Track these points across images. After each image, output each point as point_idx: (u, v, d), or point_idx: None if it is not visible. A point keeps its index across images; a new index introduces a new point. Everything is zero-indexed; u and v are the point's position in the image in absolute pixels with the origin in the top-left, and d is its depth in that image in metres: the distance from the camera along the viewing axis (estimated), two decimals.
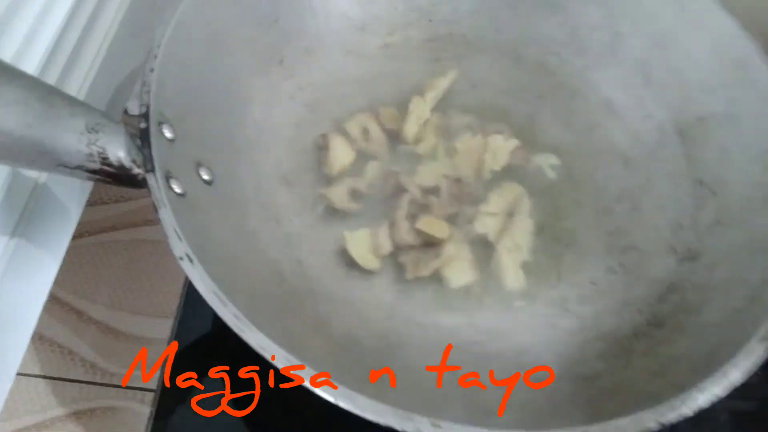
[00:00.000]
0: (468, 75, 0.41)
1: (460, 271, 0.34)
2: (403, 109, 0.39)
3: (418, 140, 0.38)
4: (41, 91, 0.23)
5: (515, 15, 0.41)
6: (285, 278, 0.31)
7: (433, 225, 0.34)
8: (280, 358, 0.22)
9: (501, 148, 0.38)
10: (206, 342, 0.38)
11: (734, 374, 0.25)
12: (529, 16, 0.41)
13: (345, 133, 0.37)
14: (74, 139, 0.24)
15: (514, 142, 0.38)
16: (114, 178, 0.25)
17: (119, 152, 0.25)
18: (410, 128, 0.38)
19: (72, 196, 0.34)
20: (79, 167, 0.24)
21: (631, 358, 0.29)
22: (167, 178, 0.27)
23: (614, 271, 0.35)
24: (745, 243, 0.32)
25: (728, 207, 0.34)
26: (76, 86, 0.33)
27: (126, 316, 0.45)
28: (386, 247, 0.33)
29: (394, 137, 0.38)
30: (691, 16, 0.37)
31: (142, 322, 0.45)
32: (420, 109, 0.38)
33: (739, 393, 0.25)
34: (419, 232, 0.34)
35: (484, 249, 0.35)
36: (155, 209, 0.25)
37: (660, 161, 0.37)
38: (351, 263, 0.33)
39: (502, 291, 0.34)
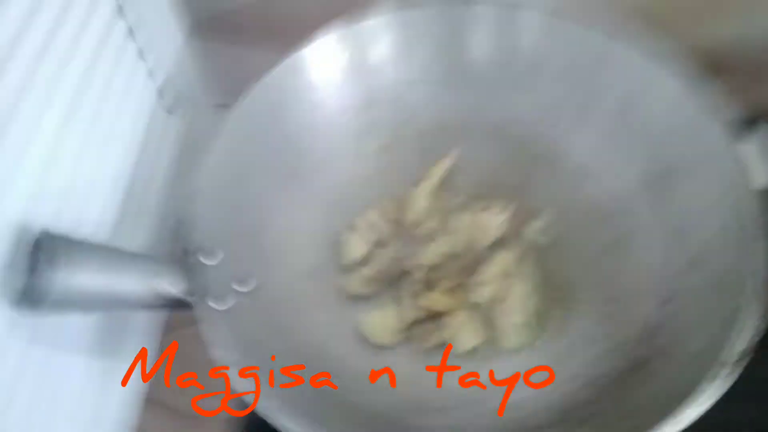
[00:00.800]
0: (459, 157, 0.47)
1: (464, 337, 0.40)
2: (404, 198, 0.45)
3: (418, 225, 0.44)
4: (113, 255, 0.31)
5: (494, 100, 0.47)
6: (311, 365, 0.37)
7: (435, 300, 0.40)
8: None
9: (492, 223, 0.44)
10: None
11: (689, 415, 0.29)
12: (506, 100, 0.47)
13: (356, 229, 0.44)
14: (141, 286, 0.32)
15: (503, 217, 0.44)
16: (172, 306, 0.33)
17: (173, 289, 0.33)
18: (409, 216, 0.44)
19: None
20: (145, 306, 0.32)
21: (609, 403, 0.34)
22: (212, 299, 0.34)
23: (601, 321, 0.39)
24: (709, 282, 0.36)
25: (697, 250, 0.38)
26: (143, 233, 0.42)
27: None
28: (397, 325, 0.40)
29: (398, 225, 0.45)
30: (645, 83, 0.42)
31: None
32: (417, 198, 0.45)
33: None
34: (426, 308, 0.40)
35: (486, 315, 0.41)
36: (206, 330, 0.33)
37: (635, 214, 0.42)
38: (370, 343, 0.40)
39: (504, 350, 0.39)
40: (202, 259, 0.35)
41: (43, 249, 0.29)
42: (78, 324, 0.36)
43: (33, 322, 0.31)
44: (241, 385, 0.31)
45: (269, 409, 0.30)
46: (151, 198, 0.44)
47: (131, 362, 0.40)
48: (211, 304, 0.34)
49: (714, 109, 0.39)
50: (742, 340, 0.31)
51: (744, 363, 0.31)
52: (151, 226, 0.42)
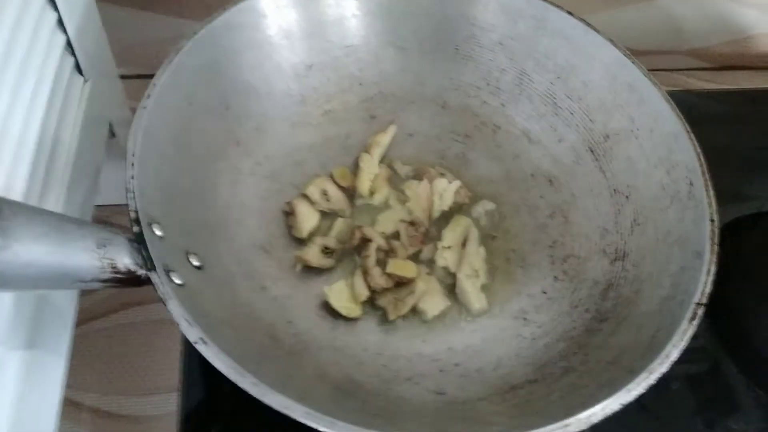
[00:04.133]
0: (403, 126, 0.46)
1: (433, 301, 0.39)
2: (353, 166, 0.43)
3: (372, 193, 0.42)
4: (55, 221, 0.26)
5: (434, 69, 0.47)
6: (281, 339, 0.34)
7: (401, 266, 0.39)
8: (303, 414, 0.26)
9: (446, 189, 0.43)
10: (212, 410, 0.40)
11: (674, 354, 0.31)
12: (446, 68, 0.47)
13: (307, 197, 0.41)
14: (88, 257, 0.27)
15: (456, 183, 0.43)
16: (122, 282, 0.28)
17: (125, 259, 0.28)
18: (364, 183, 0.42)
19: (66, 299, 0.36)
20: (94, 280, 0.27)
21: (588, 353, 0.34)
22: (166, 272, 0.30)
23: (560, 278, 0.40)
24: (660, 237, 0.38)
25: (641, 208, 0.40)
26: (54, 199, 0.36)
27: (120, 399, 0.47)
28: (363, 294, 0.37)
29: (351, 193, 0.42)
30: (583, 51, 0.44)
31: (136, 402, 0.47)
32: (369, 165, 0.43)
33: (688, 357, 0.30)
34: (391, 275, 0.38)
35: (447, 279, 0.40)
36: (164, 303, 0.28)
37: (579, 177, 0.43)
38: (336, 314, 0.37)
39: (470, 313, 0.39)
40: (153, 229, 0.31)
41: None
42: None
43: None
44: (222, 362, 0.27)
45: (258, 387, 0.27)
46: (60, 164, 0.37)
47: (49, 355, 0.34)
48: (169, 278, 0.29)
49: (650, 77, 0.41)
50: (703, 283, 0.33)
51: (705, 304, 0.33)
52: (60, 195, 0.36)
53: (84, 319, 0.50)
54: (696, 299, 0.32)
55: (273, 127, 0.43)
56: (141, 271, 0.29)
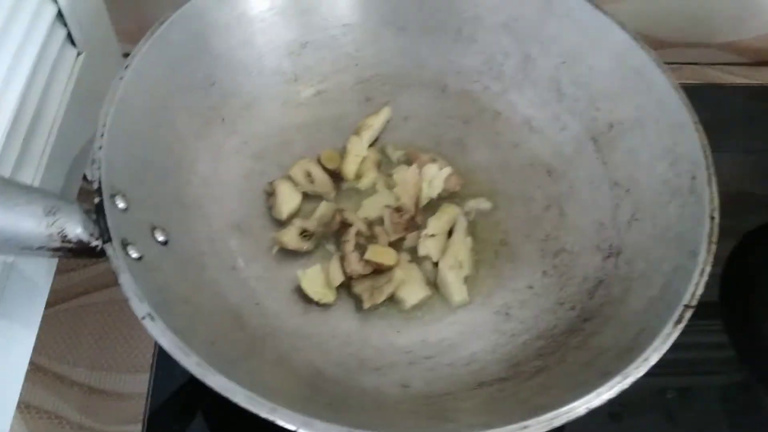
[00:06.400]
0: (399, 110, 0.45)
1: (412, 290, 0.37)
2: (343, 149, 0.42)
3: (358, 177, 0.41)
4: (6, 187, 0.26)
5: (435, 51, 0.45)
6: (246, 322, 0.33)
7: (380, 253, 0.37)
8: (242, 397, 0.25)
9: (436, 176, 0.41)
10: (185, 390, 0.40)
11: (653, 357, 0.28)
12: (448, 50, 0.45)
13: (290, 179, 0.40)
14: (34, 223, 0.26)
15: (447, 170, 0.41)
16: (75, 253, 0.28)
17: (77, 229, 0.28)
18: (349, 167, 0.41)
19: (40, 271, 0.36)
20: (42, 248, 0.27)
21: (566, 353, 0.32)
22: (124, 245, 0.29)
23: (548, 274, 0.38)
24: (658, 234, 0.35)
25: (641, 203, 0.38)
26: (32, 171, 0.36)
27: (107, 375, 0.46)
28: (338, 279, 0.36)
29: (338, 177, 0.41)
30: (590, 34, 0.41)
31: (122, 379, 0.46)
32: (357, 148, 0.41)
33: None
34: (369, 262, 0.37)
35: (430, 269, 0.39)
36: (116, 276, 0.28)
37: (579, 168, 0.41)
38: (308, 300, 0.36)
39: (450, 305, 0.37)
40: (116, 202, 0.30)
41: None
42: None
43: None
44: (167, 340, 0.26)
45: (201, 367, 0.26)
46: (41, 135, 0.37)
47: (18, 326, 0.34)
48: (126, 251, 0.29)
49: (661, 66, 0.38)
50: (694, 285, 0.31)
51: (694, 307, 0.30)
52: (40, 166, 0.36)
53: (78, 292, 0.50)
54: (684, 301, 0.30)
55: (262, 106, 0.42)
56: (95, 242, 0.28)
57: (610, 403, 0.38)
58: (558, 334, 0.34)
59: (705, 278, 0.31)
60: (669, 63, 0.66)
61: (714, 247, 0.32)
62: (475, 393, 0.31)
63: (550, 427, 0.26)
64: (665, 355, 0.42)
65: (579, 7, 0.41)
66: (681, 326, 0.29)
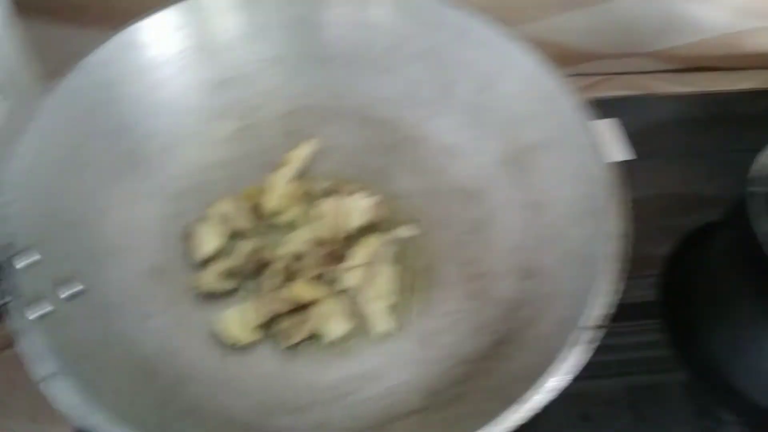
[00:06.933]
0: (324, 141, 0.45)
1: (334, 325, 0.37)
2: (263, 185, 0.42)
3: (280, 212, 0.41)
4: None
5: (353, 82, 0.45)
6: (158, 372, 0.33)
7: (301, 289, 0.37)
8: None
9: (359, 206, 0.41)
10: None
11: (555, 384, 0.29)
12: (367, 81, 0.45)
13: (208, 219, 0.40)
14: None
15: (371, 199, 0.42)
16: None
17: None
18: (270, 203, 0.41)
19: None
20: None
21: (480, 379, 0.33)
22: (28, 304, 0.29)
23: (471, 298, 0.39)
24: (569, 256, 0.36)
25: (554, 224, 0.38)
26: None
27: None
28: (256, 320, 0.36)
29: (260, 213, 0.41)
30: (504, 60, 0.42)
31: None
32: (276, 183, 0.41)
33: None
34: (289, 299, 0.37)
35: (355, 301, 0.39)
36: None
37: (497, 192, 0.42)
38: (229, 343, 0.36)
39: (374, 336, 0.37)
40: (13, 260, 0.30)
41: None
42: None
43: None
44: (65, 402, 0.26)
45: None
46: None
47: None
48: (24, 310, 0.28)
49: (567, 88, 0.39)
50: (601, 306, 0.31)
51: (603, 329, 0.31)
52: None
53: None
54: (588, 323, 0.31)
55: (180, 146, 0.42)
56: None
57: (581, 404, 0.39)
58: (478, 359, 0.35)
59: (611, 298, 0.32)
60: (601, 74, 0.68)
61: (622, 266, 0.33)
62: (387, 429, 0.31)
63: None
64: (630, 353, 0.44)
65: (493, 35, 0.42)
66: (585, 347, 0.30)
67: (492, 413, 0.28)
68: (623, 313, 0.44)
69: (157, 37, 0.41)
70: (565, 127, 0.39)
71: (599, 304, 0.31)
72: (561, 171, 0.39)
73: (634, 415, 0.41)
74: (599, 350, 0.42)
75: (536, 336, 0.33)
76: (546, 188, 0.39)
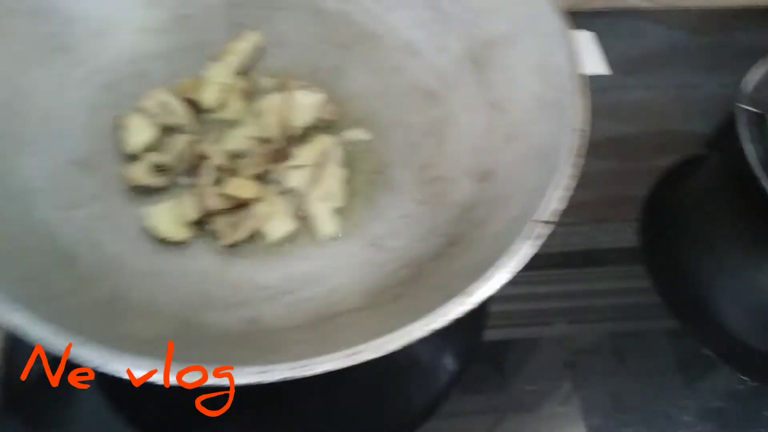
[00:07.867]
0: (272, 35, 0.41)
1: (277, 224, 0.35)
2: (203, 76, 0.39)
3: (221, 107, 0.38)
4: None
5: None
6: (78, 262, 0.30)
7: (239, 186, 0.35)
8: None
9: (307, 103, 0.38)
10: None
11: (498, 275, 0.27)
12: None
13: (142, 110, 0.37)
14: None
15: (320, 97, 0.39)
16: None
17: None
18: (209, 95, 0.38)
19: None
20: None
21: (425, 278, 0.31)
22: None
23: (423, 202, 0.36)
24: (529, 153, 0.34)
25: (516, 123, 0.36)
26: None
27: None
28: (191, 215, 0.34)
29: (198, 107, 0.38)
30: None
31: None
32: (217, 75, 0.38)
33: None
34: (228, 197, 0.34)
35: (299, 202, 0.36)
36: None
37: (458, 91, 0.39)
38: (159, 239, 0.33)
39: (319, 239, 0.35)
40: None
41: None
42: None
43: None
44: None
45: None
46: None
47: None
48: None
49: None
50: (555, 200, 0.29)
51: (553, 224, 0.29)
52: None
53: None
54: (538, 217, 0.28)
55: (113, 33, 0.38)
56: None
57: (564, 352, 0.38)
58: (425, 261, 0.33)
59: (564, 192, 0.29)
60: None
61: (578, 160, 0.31)
62: (322, 324, 0.29)
63: (386, 352, 0.25)
64: (616, 299, 0.42)
65: None
66: (533, 242, 0.28)
67: (435, 305, 0.26)
68: (605, 258, 0.44)
69: None
70: (531, 17, 0.36)
71: (554, 197, 0.29)
72: (525, 65, 0.36)
73: (617, 362, 0.40)
74: (583, 295, 0.42)
75: (487, 234, 0.31)
76: (509, 85, 0.37)
